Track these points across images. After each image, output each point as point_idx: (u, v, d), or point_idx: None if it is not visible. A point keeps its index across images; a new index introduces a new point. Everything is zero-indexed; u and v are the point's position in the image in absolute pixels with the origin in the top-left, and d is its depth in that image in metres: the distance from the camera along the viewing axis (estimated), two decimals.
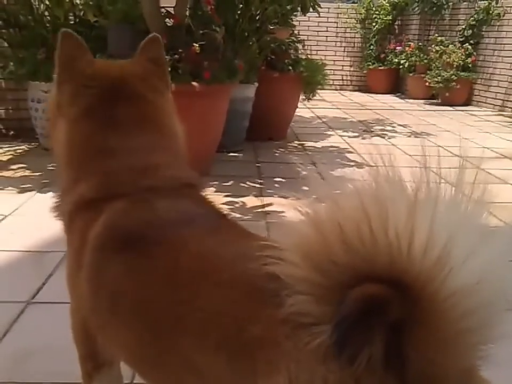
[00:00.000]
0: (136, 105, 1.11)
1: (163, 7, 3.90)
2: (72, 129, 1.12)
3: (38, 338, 1.77)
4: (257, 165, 4.18)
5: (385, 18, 9.58)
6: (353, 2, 9.95)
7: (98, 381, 1.11)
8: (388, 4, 9.59)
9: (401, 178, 0.68)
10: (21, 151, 4.32)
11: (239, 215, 2.99)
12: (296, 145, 4.98)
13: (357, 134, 5.57)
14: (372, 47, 9.69)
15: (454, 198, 0.67)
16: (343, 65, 10.01)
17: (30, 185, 3.40)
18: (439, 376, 0.66)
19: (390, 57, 9.47)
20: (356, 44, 9.97)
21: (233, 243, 0.92)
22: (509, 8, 7.72)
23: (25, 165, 3.86)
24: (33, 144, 4.48)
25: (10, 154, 4.19)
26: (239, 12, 4.26)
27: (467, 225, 0.65)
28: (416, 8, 9.06)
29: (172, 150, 1.13)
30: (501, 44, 7.85)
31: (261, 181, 3.70)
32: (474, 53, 8.24)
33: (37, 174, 3.67)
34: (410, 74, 9.04)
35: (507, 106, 7.63)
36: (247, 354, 0.74)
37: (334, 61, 9.75)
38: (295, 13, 5.00)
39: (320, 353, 0.66)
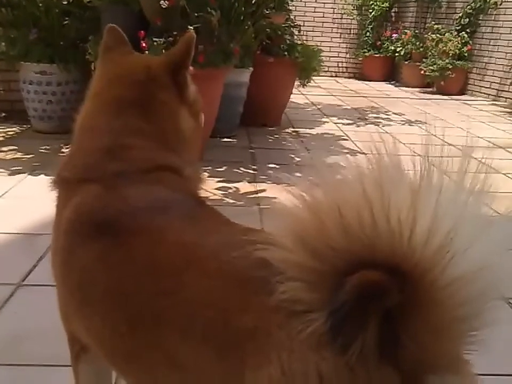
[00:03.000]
0: (132, 92, 1.10)
1: None
2: (82, 108, 1.16)
3: (29, 321, 1.76)
4: (251, 150, 4.17)
5: (382, 5, 9.52)
6: None
7: (85, 363, 1.10)
8: None
9: (403, 166, 0.68)
10: (12, 133, 4.28)
11: (232, 201, 2.98)
12: (290, 131, 4.96)
13: (351, 121, 5.56)
14: (368, 34, 9.64)
15: (456, 187, 0.66)
16: (338, 52, 9.97)
17: (21, 168, 3.36)
18: (431, 362, 0.66)
19: (386, 44, 9.43)
20: (352, 30, 9.92)
21: (214, 231, 0.90)
22: None
23: (16, 147, 3.82)
24: (24, 126, 4.43)
25: (1, 136, 4.15)
26: None
27: (469, 214, 0.65)
28: None
29: (158, 137, 1.09)
30: (497, 33, 7.84)
31: (255, 167, 3.69)
32: (470, 42, 8.22)
33: (29, 156, 3.64)
34: (406, 62, 9.01)
35: (501, 96, 7.64)
36: (236, 346, 0.72)
37: (330, 47, 9.70)
38: None
39: (313, 342, 0.65)
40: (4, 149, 3.79)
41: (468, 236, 0.63)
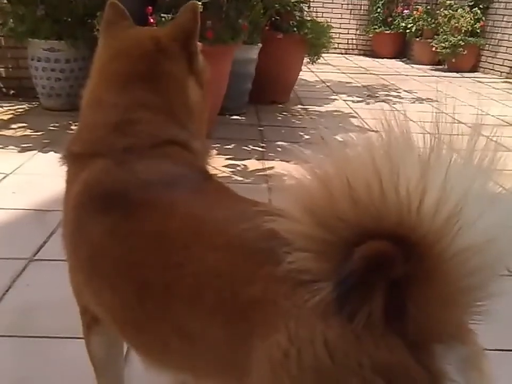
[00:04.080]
0: (140, 65, 1.10)
1: None
2: (87, 84, 1.17)
3: (40, 294, 1.80)
4: (260, 128, 4.15)
5: None
6: None
7: (97, 333, 1.12)
8: None
9: (413, 139, 0.68)
10: (21, 110, 4.29)
11: (240, 178, 2.99)
12: (299, 109, 4.93)
13: (361, 99, 5.51)
14: (379, 10, 9.47)
15: (465, 161, 0.67)
16: (348, 29, 9.82)
17: (31, 145, 3.38)
18: (437, 331, 0.67)
19: (397, 21, 9.28)
20: (362, 6, 9.75)
21: (222, 205, 0.91)
22: None
23: (26, 124, 3.84)
24: (33, 103, 4.44)
25: (11, 113, 4.16)
26: None
27: (478, 188, 0.65)
28: None
29: (166, 110, 1.09)
30: (511, 9, 7.67)
31: (263, 145, 3.68)
32: (483, 18, 8.07)
33: (38, 133, 3.65)
34: (417, 39, 8.87)
35: None
36: (244, 317, 0.74)
37: (340, 23, 9.56)
38: None
39: (320, 310, 0.67)
40: (14, 126, 3.80)
41: (476, 208, 0.63)
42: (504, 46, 7.77)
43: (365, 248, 0.63)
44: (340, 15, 9.69)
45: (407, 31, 9.01)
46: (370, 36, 9.65)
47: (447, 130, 0.70)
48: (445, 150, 0.66)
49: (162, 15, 3.35)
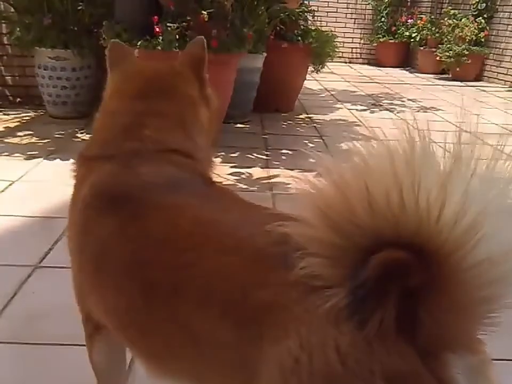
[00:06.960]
0: (157, 83, 1.17)
1: None
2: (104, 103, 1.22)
3: (45, 301, 1.80)
4: (264, 136, 4.16)
5: None
6: None
7: (99, 342, 1.11)
8: None
9: (434, 149, 0.67)
10: (27, 118, 4.32)
11: (244, 186, 3.00)
12: (303, 117, 4.94)
13: (365, 108, 5.52)
14: (383, 19, 9.51)
15: (487, 173, 0.66)
16: (353, 38, 9.86)
17: (37, 152, 3.40)
18: (449, 341, 0.67)
19: (401, 30, 9.31)
20: (366, 16, 9.80)
21: (230, 209, 0.92)
22: None
23: (32, 132, 3.86)
24: (40, 111, 4.47)
25: (17, 121, 4.18)
26: None
27: (499, 199, 0.65)
28: None
29: (177, 120, 1.13)
30: None
31: (268, 153, 3.69)
32: (487, 27, 8.08)
33: (44, 141, 3.67)
34: (421, 48, 8.89)
35: None
36: (254, 320, 0.73)
37: (344, 33, 9.60)
38: None
39: (332, 316, 0.66)
40: (20, 133, 3.82)
41: (496, 220, 0.63)
42: (508, 55, 7.77)
43: (382, 255, 0.63)
44: (344, 24, 9.73)
45: (411, 40, 9.04)
46: (374, 45, 9.68)
47: (449, 138, 0.70)
48: (466, 159, 0.66)
49: (168, 24, 3.37)
